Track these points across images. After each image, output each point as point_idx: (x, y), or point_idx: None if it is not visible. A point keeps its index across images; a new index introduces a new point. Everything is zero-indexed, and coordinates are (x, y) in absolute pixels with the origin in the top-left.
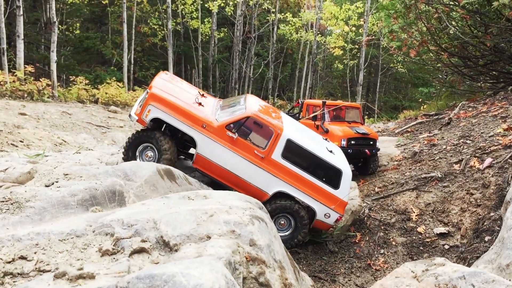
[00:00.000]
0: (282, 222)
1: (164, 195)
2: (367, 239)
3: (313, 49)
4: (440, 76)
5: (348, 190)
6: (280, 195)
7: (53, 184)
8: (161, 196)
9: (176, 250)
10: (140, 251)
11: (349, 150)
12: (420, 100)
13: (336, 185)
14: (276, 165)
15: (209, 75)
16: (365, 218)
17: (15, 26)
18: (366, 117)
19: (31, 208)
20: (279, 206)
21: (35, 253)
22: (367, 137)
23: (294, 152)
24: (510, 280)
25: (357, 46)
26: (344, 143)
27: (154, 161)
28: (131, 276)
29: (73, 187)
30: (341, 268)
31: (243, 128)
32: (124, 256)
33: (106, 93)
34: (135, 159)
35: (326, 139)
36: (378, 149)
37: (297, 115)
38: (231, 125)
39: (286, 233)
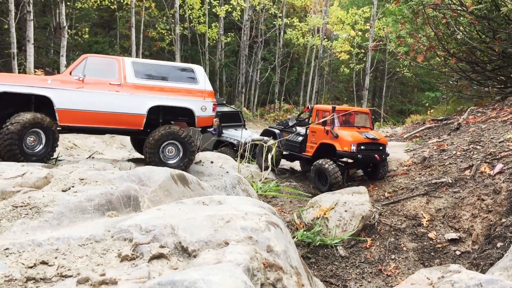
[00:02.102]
0: (170, 149)
1: (179, 201)
2: (378, 244)
3: (320, 53)
4: (451, 82)
5: (208, 82)
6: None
7: (69, 189)
8: (175, 201)
9: (194, 256)
10: (159, 256)
11: (358, 155)
12: (427, 104)
13: (195, 81)
14: (135, 86)
15: (216, 79)
16: (376, 223)
17: (25, 31)
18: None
19: (50, 213)
20: (164, 134)
21: (55, 258)
22: (376, 142)
23: (144, 70)
24: None
25: (363, 51)
26: (354, 148)
27: (39, 147)
28: (153, 282)
29: (89, 192)
30: (352, 273)
31: (88, 69)
32: (143, 262)
33: None
34: (22, 144)
35: None
36: (388, 154)
37: (306, 120)
38: (75, 71)
39: (176, 160)
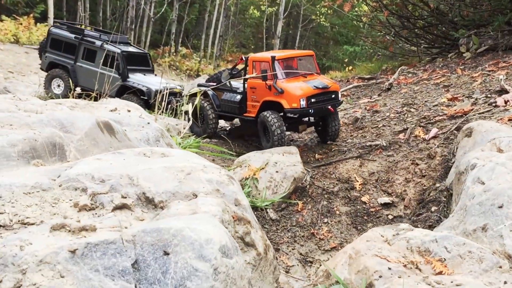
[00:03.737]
0: None
1: (116, 151)
2: (310, 207)
3: None
4: (388, 37)
5: None
6: None
7: None
8: (102, 151)
9: (161, 208)
10: (122, 207)
11: (310, 110)
12: (346, 60)
13: None
14: None
15: (98, 10)
16: (307, 186)
17: None
18: None
19: None
20: None
21: (3, 205)
22: (328, 91)
23: None
24: (477, 243)
25: None
26: (303, 103)
27: None
28: (136, 230)
29: (11, 136)
30: (284, 237)
31: None
32: (106, 212)
33: None
34: None
35: None
36: (341, 102)
37: (241, 73)
38: None
39: None
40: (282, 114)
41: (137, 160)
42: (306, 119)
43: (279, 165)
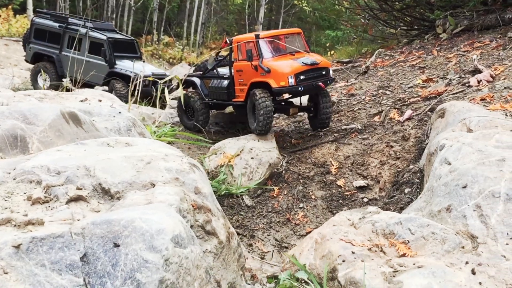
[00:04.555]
0: None
1: (79, 142)
2: (286, 193)
3: None
4: (363, 21)
5: None
6: None
7: None
8: (68, 143)
9: (118, 198)
10: (77, 199)
11: (300, 88)
12: (328, 44)
13: None
14: None
15: (78, 0)
16: (283, 171)
17: None
18: None
19: None
20: None
21: None
22: (317, 67)
23: None
24: (441, 224)
25: None
26: (291, 80)
27: None
28: (85, 222)
29: None
30: (260, 223)
31: None
32: (60, 204)
33: None
34: None
35: None
36: (333, 79)
37: (227, 58)
38: None
39: None
40: (272, 97)
41: (98, 150)
42: (298, 102)
43: (254, 151)
